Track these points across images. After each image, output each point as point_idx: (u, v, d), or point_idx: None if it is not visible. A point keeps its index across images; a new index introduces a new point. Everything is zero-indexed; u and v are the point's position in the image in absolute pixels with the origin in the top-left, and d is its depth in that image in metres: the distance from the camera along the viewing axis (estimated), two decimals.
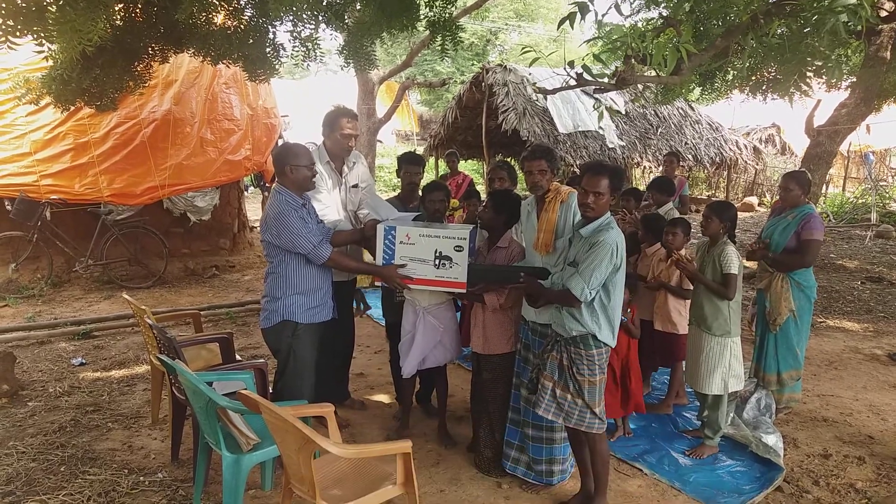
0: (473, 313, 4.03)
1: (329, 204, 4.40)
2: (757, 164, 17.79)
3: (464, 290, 3.78)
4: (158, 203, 8.90)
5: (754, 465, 4.16)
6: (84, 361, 5.90)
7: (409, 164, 4.84)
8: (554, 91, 5.56)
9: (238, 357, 4.58)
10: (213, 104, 9.37)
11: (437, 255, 3.74)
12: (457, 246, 3.70)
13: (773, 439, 4.34)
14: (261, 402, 2.75)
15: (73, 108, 7.23)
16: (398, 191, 5.05)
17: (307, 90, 23.82)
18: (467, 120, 14.09)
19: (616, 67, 4.87)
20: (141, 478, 3.85)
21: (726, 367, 4.21)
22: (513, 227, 4.09)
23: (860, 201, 15.79)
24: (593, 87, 5.13)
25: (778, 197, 4.93)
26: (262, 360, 4.19)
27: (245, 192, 11.86)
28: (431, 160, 15.05)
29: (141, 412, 4.81)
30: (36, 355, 6.06)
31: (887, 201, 15.62)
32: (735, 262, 4.13)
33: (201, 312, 5.56)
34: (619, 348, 4.28)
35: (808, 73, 5.61)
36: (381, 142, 19.88)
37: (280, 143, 9.75)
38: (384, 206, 4.19)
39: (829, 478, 4.01)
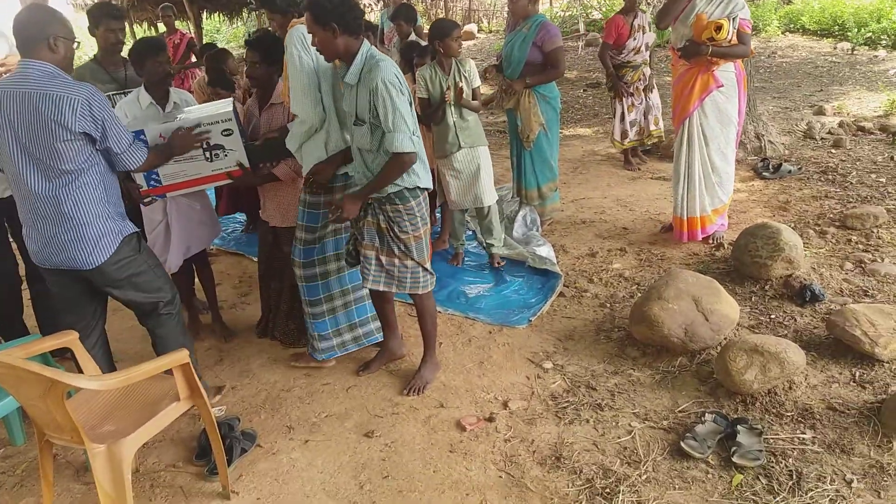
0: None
1: None
2: None
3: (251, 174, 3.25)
4: None
5: (534, 278, 4.31)
6: None
7: (109, 17, 3.74)
8: None
9: None
10: None
11: (206, 146, 3.09)
12: (224, 130, 3.08)
13: (545, 250, 4.51)
14: None
15: None
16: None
17: None
18: None
19: None
20: None
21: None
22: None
23: (567, 13, 16.73)
24: None
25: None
26: None
27: None
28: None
29: None
30: None
31: (590, 11, 16.71)
32: None
33: None
34: None
35: None
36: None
37: None
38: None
39: (600, 273, 4.28)
